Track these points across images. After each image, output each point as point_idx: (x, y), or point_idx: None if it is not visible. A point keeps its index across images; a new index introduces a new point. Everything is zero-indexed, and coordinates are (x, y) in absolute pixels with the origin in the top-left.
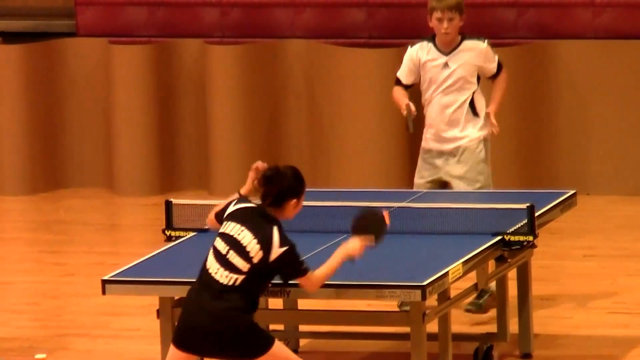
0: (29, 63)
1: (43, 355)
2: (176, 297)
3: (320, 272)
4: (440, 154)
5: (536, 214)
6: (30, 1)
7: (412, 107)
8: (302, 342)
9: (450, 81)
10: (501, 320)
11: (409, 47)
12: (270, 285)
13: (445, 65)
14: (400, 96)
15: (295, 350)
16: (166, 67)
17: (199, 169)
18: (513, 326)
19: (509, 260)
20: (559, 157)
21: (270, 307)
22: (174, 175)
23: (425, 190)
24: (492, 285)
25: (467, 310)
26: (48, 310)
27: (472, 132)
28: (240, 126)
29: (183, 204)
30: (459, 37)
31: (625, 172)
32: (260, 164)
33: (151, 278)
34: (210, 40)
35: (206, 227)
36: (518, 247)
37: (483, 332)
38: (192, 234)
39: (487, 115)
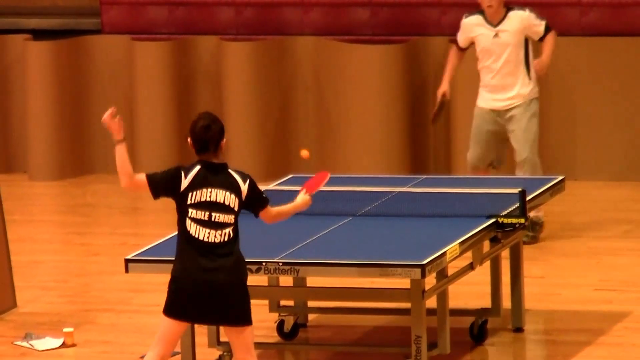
0: (57, 58)
1: (70, 329)
2: None
3: (276, 210)
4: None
5: (527, 198)
6: (59, 1)
7: (447, 95)
8: (311, 316)
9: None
10: (495, 296)
11: (464, 17)
12: (281, 264)
13: (496, 35)
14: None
15: (304, 325)
16: (185, 62)
17: None
18: (506, 302)
19: (502, 241)
20: (548, 145)
21: (280, 284)
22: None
23: (424, 176)
24: (540, 215)
25: (524, 243)
26: (75, 287)
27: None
28: (253, 116)
29: None
30: (504, 9)
31: (610, 159)
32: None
33: (171, 257)
34: (225, 37)
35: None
36: (511, 229)
37: (478, 307)
38: None
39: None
